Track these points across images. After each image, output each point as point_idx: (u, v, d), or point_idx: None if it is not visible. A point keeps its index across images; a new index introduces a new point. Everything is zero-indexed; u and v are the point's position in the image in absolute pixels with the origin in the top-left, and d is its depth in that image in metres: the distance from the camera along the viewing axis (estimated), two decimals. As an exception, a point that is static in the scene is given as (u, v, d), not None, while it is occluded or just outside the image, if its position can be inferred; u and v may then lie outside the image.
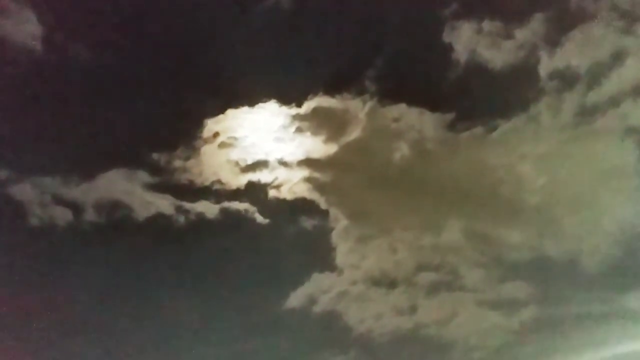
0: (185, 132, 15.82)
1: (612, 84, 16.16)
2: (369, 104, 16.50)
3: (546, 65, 16.36)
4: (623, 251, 16.99)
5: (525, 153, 16.70)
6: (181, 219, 15.81)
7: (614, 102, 16.32)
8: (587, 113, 16.44)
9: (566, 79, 16.34)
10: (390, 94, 16.15)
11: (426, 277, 17.27)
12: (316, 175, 16.51)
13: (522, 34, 16.07)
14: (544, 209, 17.10)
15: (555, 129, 16.80)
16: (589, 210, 16.72)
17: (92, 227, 15.42)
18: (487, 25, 16.05)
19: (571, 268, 16.95)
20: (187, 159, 15.84)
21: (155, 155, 15.67)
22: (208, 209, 16.03)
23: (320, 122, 16.38)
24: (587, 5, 15.86)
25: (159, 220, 15.78)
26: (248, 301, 15.74)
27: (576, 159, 16.55)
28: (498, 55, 16.32)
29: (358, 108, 16.58)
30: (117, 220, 15.53)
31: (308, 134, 16.32)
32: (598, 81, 16.28)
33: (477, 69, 16.25)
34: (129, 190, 15.47)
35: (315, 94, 16.15)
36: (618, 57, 16.11)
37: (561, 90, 16.49)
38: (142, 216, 15.49)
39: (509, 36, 16.02)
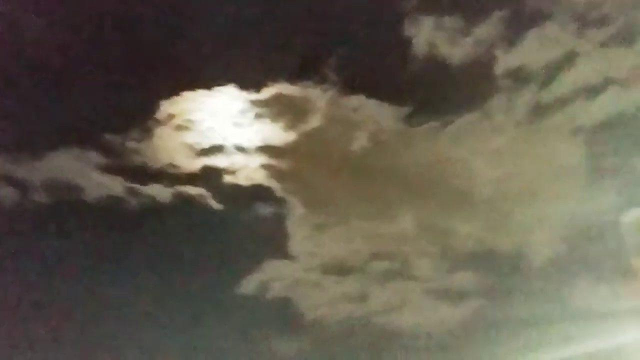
0: (139, 113, 15.52)
1: (564, 84, 16.67)
2: (329, 93, 16.55)
3: (502, 63, 16.74)
4: (568, 247, 17.60)
5: (479, 148, 17.10)
6: (133, 201, 15.54)
7: (565, 101, 16.83)
8: (539, 111, 16.92)
9: (520, 78, 16.76)
10: (350, 84, 16.25)
11: (379, 266, 17.49)
12: (274, 162, 16.48)
13: (480, 32, 16.39)
14: (494, 202, 17.53)
15: (508, 125, 17.22)
16: (537, 205, 17.25)
17: (40, 207, 15.00)
18: (446, 20, 16.29)
19: (518, 261, 17.42)
20: (141, 140, 15.55)
21: (107, 136, 15.33)
22: (161, 192, 15.80)
23: (280, 109, 16.34)
24: (544, 6, 16.29)
25: (110, 202, 15.47)
26: (200, 287, 15.64)
27: (527, 156, 17.04)
28: (456, 51, 16.60)
29: (318, 97, 16.61)
30: (66, 201, 15.16)
31: (267, 120, 16.26)
32: (551, 81, 16.75)
33: (435, 64, 16.49)
34: (80, 170, 15.10)
35: (276, 80, 16.08)
36: (570, 59, 16.61)
37: (515, 89, 16.91)
38: (93, 197, 15.16)
39: (467, 32, 16.31)
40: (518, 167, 17.36)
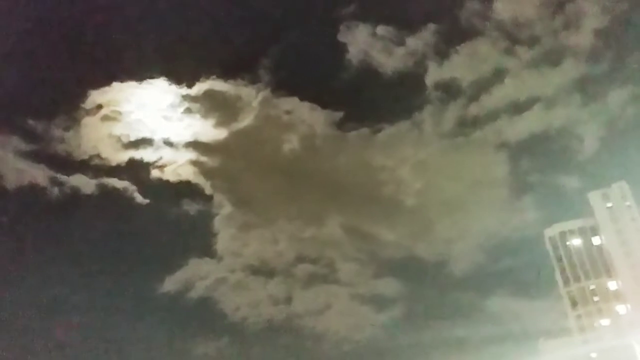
0: (66, 101, 15.20)
1: (491, 99, 17.11)
2: (262, 93, 16.58)
3: (433, 75, 17.07)
4: (487, 257, 17.89)
5: (406, 157, 17.37)
6: (55, 191, 15.15)
7: (492, 117, 17.26)
8: (466, 124, 17.32)
9: (450, 91, 17.16)
10: (284, 86, 16.34)
11: (304, 269, 17.42)
12: (203, 159, 16.38)
13: (414, 42, 16.70)
14: (419, 211, 17.79)
15: (435, 136, 17.56)
16: (460, 216, 17.59)
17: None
18: (381, 29, 16.55)
19: (440, 269, 17.64)
20: (67, 129, 15.23)
21: (31, 122, 14.94)
22: (85, 183, 15.48)
23: (212, 105, 16.29)
24: (476, 22, 16.73)
25: (31, 191, 15.03)
26: (121, 283, 15.35)
27: (453, 167, 17.42)
28: (389, 60, 16.87)
29: (251, 96, 16.62)
30: (-17, 187, 14.60)
31: (198, 116, 16.18)
32: (479, 96, 17.17)
33: (368, 72, 16.74)
34: (0, 156, 14.61)
35: (208, 76, 16.00)
36: (499, 75, 17.05)
37: (445, 101, 17.28)
38: (13, 184, 14.71)
39: (401, 43, 16.61)
40: (443, 178, 17.74)
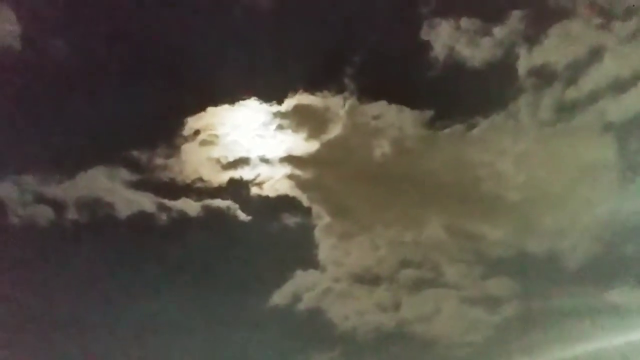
0: (165, 130, 15.91)
1: (590, 80, 16.29)
2: (349, 102, 16.61)
3: (524, 62, 16.49)
4: (603, 247, 17.08)
5: (505, 150, 16.82)
6: (163, 216, 15.85)
7: (592, 98, 16.44)
8: (565, 110, 16.55)
9: (544, 76, 16.47)
10: (369, 91, 16.28)
11: (409, 274, 17.29)
12: (298, 172, 16.60)
13: (500, 32, 16.21)
14: (524, 205, 17.18)
15: (534, 126, 16.90)
16: (569, 206, 16.82)
17: (74, 225, 15.44)
18: (465, 22, 16.19)
19: (552, 264, 17.03)
20: (168, 157, 15.92)
21: (135, 153, 15.74)
22: (190, 206, 16.09)
23: (301, 119, 16.49)
24: (565, 2, 16.02)
25: (141, 218, 15.83)
26: (232, 299, 15.77)
27: (556, 156, 16.67)
28: (476, 52, 16.45)
29: (338, 105, 16.69)
30: (99, 219, 15.56)
31: (289, 131, 16.43)
32: (576, 78, 16.41)
33: (455, 67, 16.37)
34: (111, 188, 15.51)
35: (296, 91, 16.27)
36: (596, 54, 16.23)
37: (540, 87, 16.61)
38: (124, 214, 15.55)
39: (487, 33, 16.16)
40: (547, 169, 16.98)
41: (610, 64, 16.24)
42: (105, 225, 15.59)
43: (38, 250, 15.11)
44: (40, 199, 15.13)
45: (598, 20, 16.03)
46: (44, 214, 15.07)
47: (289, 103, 16.27)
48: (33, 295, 14.74)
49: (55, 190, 15.22)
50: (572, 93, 16.43)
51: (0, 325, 14.37)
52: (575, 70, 16.31)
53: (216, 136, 16.16)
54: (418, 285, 17.06)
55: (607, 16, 15.96)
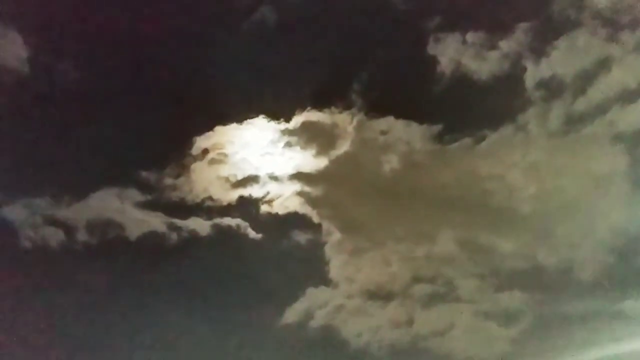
0: (174, 150, 15.96)
1: (599, 91, 16.24)
2: (357, 118, 16.62)
3: (532, 74, 16.46)
4: (617, 258, 16.92)
5: (515, 162, 16.75)
6: (174, 236, 15.85)
7: (602, 109, 16.38)
8: (575, 121, 16.49)
9: (553, 88, 16.43)
10: (377, 107, 16.28)
11: (422, 289, 17.17)
12: (307, 189, 16.58)
13: (507, 44, 16.21)
14: (536, 217, 17.09)
15: (543, 137, 16.83)
16: (581, 217, 16.71)
17: (84, 246, 15.47)
18: (471, 36, 16.21)
19: (566, 276, 16.88)
20: (177, 176, 15.94)
21: (144, 174, 15.78)
22: (200, 225, 16.08)
23: (309, 136, 16.50)
24: (571, 14, 16.02)
25: (151, 238, 15.83)
26: (243, 318, 15.72)
27: (566, 167, 16.59)
28: (483, 66, 16.44)
29: (346, 122, 16.70)
30: (109, 240, 15.59)
31: (297, 148, 16.44)
32: (585, 89, 16.36)
33: (462, 81, 16.37)
34: (120, 209, 15.55)
35: (303, 108, 16.30)
36: (603, 65, 16.20)
37: (548, 99, 16.56)
38: (135, 235, 15.56)
39: (493, 47, 16.17)
40: (558, 180, 16.90)
41: (619, 74, 16.19)
42: (116, 246, 15.61)
43: (49, 272, 15.11)
44: (51, 221, 15.18)
45: (605, 32, 16.03)
46: (55, 236, 15.11)
47: (296, 120, 16.30)
48: (44, 318, 14.73)
49: (65, 212, 15.27)
50: (581, 104, 16.37)
51: (13, 347, 14.37)
52: (584, 81, 16.26)
53: (225, 155, 16.17)
54: (431, 300, 16.91)
55: (614, 26, 15.97)
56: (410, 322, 16.98)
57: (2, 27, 14.50)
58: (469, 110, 16.43)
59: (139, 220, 15.76)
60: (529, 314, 16.57)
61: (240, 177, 16.22)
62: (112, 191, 15.43)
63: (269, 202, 16.47)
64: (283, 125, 16.35)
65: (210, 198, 16.21)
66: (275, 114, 16.10)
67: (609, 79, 16.31)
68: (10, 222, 14.83)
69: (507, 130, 16.72)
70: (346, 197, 16.91)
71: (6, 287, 14.63)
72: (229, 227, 16.30)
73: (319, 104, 16.16)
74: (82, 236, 15.34)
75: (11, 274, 14.83)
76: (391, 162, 16.62)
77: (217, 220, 16.29)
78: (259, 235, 16.15)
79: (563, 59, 16.34)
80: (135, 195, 15.70)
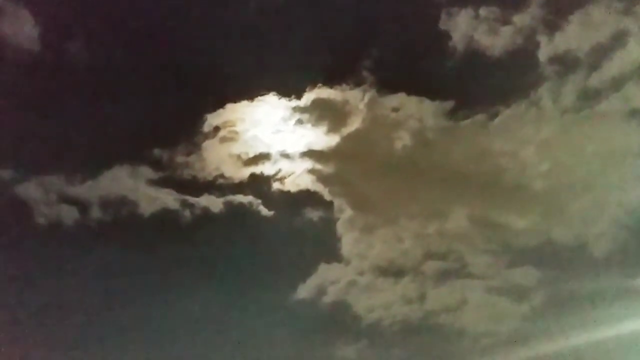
0: (186, 128, 15.97)
1: (614, 66, 15.96)
2: (368, 94, 16.48)
3: (546, 49, 16.20)
4: (631, 234, 16.77)
5: (528, 139, 16.57)
6: (186, 213, 15.92)
7: (616, 84, 16.10)
8: (589, 96, 16.25)
9: (567, 63, 16.17)
10: (388, 83, 16.13)
11: (433, 266, 17.15)
12: (319, 166, 16.54)
13: (520, 19, 15.94)
14: (549, 193, 16.94)
15: (557, 113, 16.62)
16: (594, 193, 16.54)
17: (98, 224, 15.58)
18: (484, 11, 15.95)
19: (579, 252, 16.77)
20: (189, 154, 15.98)
21: (157, 152, 15.82)
22: (212, 202, 16.14)
23: (321, 113, 16.40)
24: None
25: (164, 215, 15.90)
26: (257, 294, 15.81)
27: (579, 143, 16.40)
28: (496, 41, 16.20)
29: (357, 98, 16.57)
30: (123, 217, 15.69)
31: (309, 125, 16.36)
32: (599, 64, 16.08)
33: (475, 56, 16.14)
34: (133, 186, 15.63)
35: (314, 85, 16.19)
36: (619, 39, 15.90)
37: (562, 75, 16.31)
38: (148, 212, 15.65)
39: (506, 22, 15.91)
40: (571, 156, 16.73)
41: (634, 49, 15.89)
42: (129, 223, 15.70)
43: (63, 249, 15.24)
44: (65, 199, 15.28)
45: (620, 5, 15.72)
46: (69, 213, 15.23)
47: (308, 97, 16.20)
48: (58, 294, 14.89)
49: (79, 189, 15.37)
50: (595, 80, 16.11)
51: (28, 325, 14.55)
52: (599, 56, 15.99)
53: (236, 132, 16.16)
54: (443, 277, 16.89)
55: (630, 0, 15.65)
56: (422, 298, 16.96)
57: (13, 7, 14.49)
58: (481, 87, 16.24)
59: (152, 197, 15.84)
60: (541, 291, 16.52)
61: (251, 155, 16.20)
62: (125, 169, 15.50)
63: (281, 179, 16.45)
64: (294, 103, 16.26)
65: (222, 175, 16.23)
66: (286, 91, 16.01)
67: (625, 54, 16.01)
68: (25, 199, 14.95)
69: (520, 106, 16.51)
70: (358, 174, 16.85)
71: (22, 264, 14.82)
72: (241, 204, 16.32)
73: (330, 81, 16.04)
74: (95, 213, 15.45)
75: (26, 251, 15.00)
76: (403, 139, 16.50)
77: (230, 198, 16.32)
78: (271, 213, 16.18)
79: (578, 34, 16.05)
80: (148, 172, 15.77)
